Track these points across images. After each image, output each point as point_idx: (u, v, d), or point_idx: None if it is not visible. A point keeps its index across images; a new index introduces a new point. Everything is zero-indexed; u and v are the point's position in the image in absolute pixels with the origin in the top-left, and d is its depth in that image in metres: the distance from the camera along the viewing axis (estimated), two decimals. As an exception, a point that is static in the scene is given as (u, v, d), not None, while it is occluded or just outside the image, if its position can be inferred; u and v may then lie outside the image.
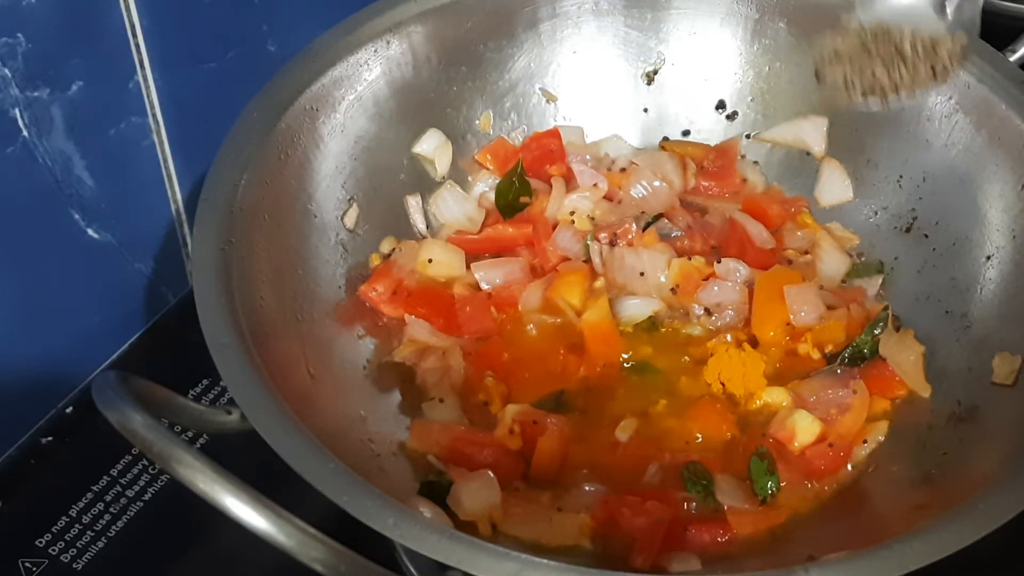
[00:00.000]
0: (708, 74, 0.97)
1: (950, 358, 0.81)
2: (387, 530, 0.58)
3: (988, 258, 0.82)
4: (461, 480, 0.72)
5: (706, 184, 0.95)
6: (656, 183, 0.92)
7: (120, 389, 0.60)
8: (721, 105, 0.97)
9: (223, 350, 0.66)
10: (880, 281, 0.88)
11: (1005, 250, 0.81)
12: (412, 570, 0.73)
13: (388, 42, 0.87)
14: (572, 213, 0.91)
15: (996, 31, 0.88)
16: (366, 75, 0.86)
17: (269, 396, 0.64)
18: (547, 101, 0.97)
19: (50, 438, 0.88)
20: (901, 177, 0.90)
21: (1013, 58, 0.88)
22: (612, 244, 0.89)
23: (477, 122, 0.95)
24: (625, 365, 0.84)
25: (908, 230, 0.89)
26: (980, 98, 0.83)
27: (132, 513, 0.83)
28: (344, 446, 0.68)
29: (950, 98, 0.85)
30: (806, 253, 0.90)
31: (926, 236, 0.87)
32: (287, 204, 0.80)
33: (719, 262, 0.87)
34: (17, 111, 0.75)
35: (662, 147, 0.98)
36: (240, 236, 0.74)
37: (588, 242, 0.89)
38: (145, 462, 0.85)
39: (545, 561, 0.57)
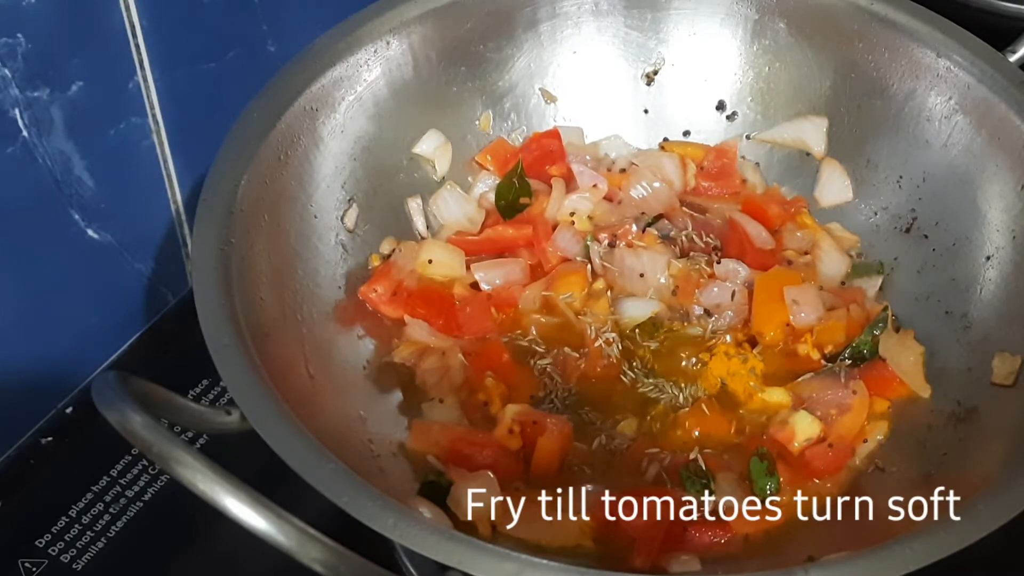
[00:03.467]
0: (708, 74, 0.97)
1: (950, 358, 0.81)
2: (387, 531, 0.58)
3: (988, 258, 0.82)
4: (461, 480, 0.72)
5: (706, 185, 0.95)
6: (656, 184, 0.92)
7: (120, 389, 0.60)
8: (721, 105, 0.97)
9: (223, 350, 0.66)
10: (880, 281, 0.88)
11: (1005, 250, 0.81)
12: (412, 570, 0.73)
13: (388, 42, 0.87)
14: (572, 214, 0.91)
15: (996, 31, 0.88)
16: (366, 75, 0.86)
17: (269, 396, 0.64)
18: (547, 101, 0.97)
19: (50, 438, 0.88)
20: (901, 177, 0.90)
21: (1013, 58, 0.87)
22: (612, 245, 0.89)
23: (477, 122, 0.95)
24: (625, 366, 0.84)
25: (908, 230, 0.89)
26: (980, 98, 0.84)
27: (132, 513, 0.83)
28: (344, 446, 0.68)
29: (950, 99, 0.86)
30: (806, 254, 0.90)
31: (926, 236, 0.87)
32: (287, 204, 0.80)
33: (719, 263, 0.87)
34: (17, 111, 0.75)
35: (662, 147, 0.98)
36: (240, 236, 0.74)
37: (588, 243, 0.89)
38: (145, 462, 0.85)
39: (544, 562, 0.58)
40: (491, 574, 0.57)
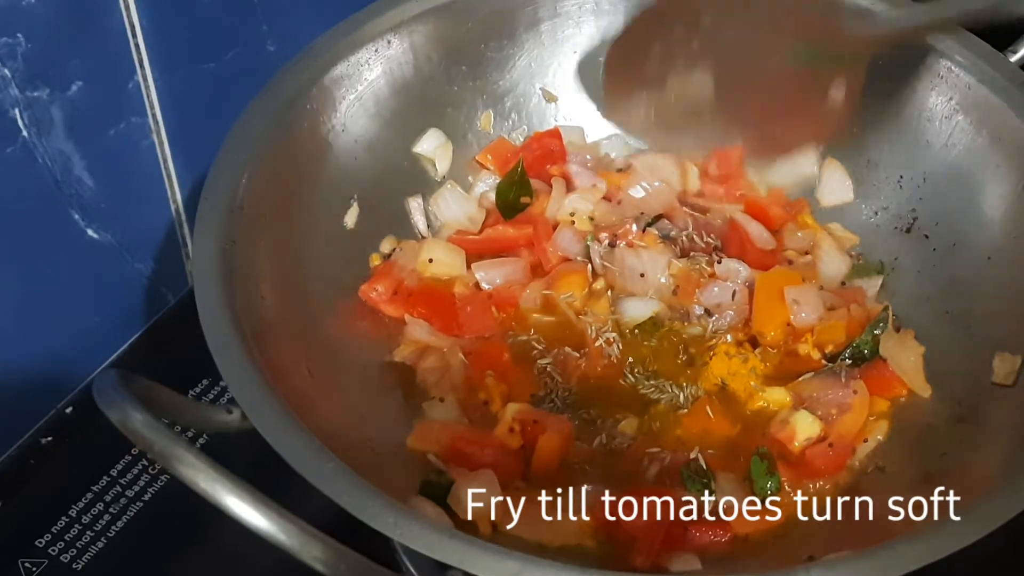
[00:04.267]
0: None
1: (950, 358, 0.81)
2: (387, 529, 0.58)
3: (988, 259, 0.82)
4: (462, 480, 0.72)
5: (711, 188, 0.95)
6: (656, 183, 0.92)
7: (121, 388, 0.59)
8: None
9: (223, 350, 0.66)
10: (880, 282, 0.88)
11: (1005, 251, 0.81)
12: (412, 570, 0.73)
13: (389, 42, 0.87)
14: (572, 214, 0.91)
15: (996, 31, 0.88)
16: (367, 75, 0.86)
17: (269, 395, 0.64)
18: (547, 101, 0.97)
19: (50, 438, 0.88)
20: (901, 177, 0.89)
21: (1013, 59, 0.87)
22: (612, 245, 0.89)
23: (478, 122, 0.95)
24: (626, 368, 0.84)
25: (908, 230, 0.89)
26: (980, 99, 0.83)
27: (132, 513, 0.83)
28: (344, 445, 0.68)
29: (950, 99, 0.86)
30: (806, 254, 0.90)
31: (926, 236, 0.87)
32: (287, 204, 0.80)
33: (719, 263, 0.87)
34: (17, 111, 0.75)
35: None
36: (240, 236, 0.74)
37: (588, 242, 0.89)
38: (145, 462, 0.85)
39: (545, 561, 0.57)
40: (492, 573, 0.57)
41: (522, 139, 0.96)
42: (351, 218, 0.86)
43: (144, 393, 0.61)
